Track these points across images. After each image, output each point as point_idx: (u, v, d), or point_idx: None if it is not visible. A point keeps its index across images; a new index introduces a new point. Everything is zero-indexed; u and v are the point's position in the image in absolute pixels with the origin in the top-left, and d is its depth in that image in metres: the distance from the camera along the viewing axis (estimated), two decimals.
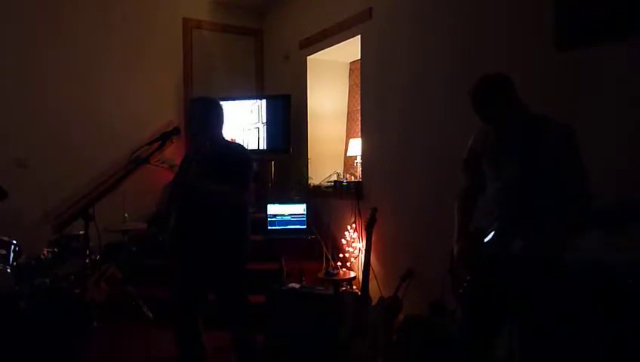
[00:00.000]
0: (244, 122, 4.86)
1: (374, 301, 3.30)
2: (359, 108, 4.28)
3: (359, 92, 4.28)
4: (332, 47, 4.48)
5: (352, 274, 3.93)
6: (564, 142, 1.80)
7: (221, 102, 2.61)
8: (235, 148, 2.59)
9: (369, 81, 4.07)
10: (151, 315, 3.82)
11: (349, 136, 4.90)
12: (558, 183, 1.79)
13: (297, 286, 3.41)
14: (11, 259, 3.32)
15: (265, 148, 4.82)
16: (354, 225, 4.09)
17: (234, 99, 4.87)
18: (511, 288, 1.88)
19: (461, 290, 2.04)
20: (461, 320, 2.11)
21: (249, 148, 4.62)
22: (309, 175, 4.73)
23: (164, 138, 2.43)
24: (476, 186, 2.09)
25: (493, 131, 1.99)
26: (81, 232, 3.43)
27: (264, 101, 4.84)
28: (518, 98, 1.92)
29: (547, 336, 1.86)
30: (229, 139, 2.60)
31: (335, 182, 4.45)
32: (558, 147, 1.80)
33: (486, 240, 1.94)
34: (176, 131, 2.46)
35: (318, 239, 4.15)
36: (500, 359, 2.10)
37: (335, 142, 4.95)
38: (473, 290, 2.00)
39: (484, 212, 2.05)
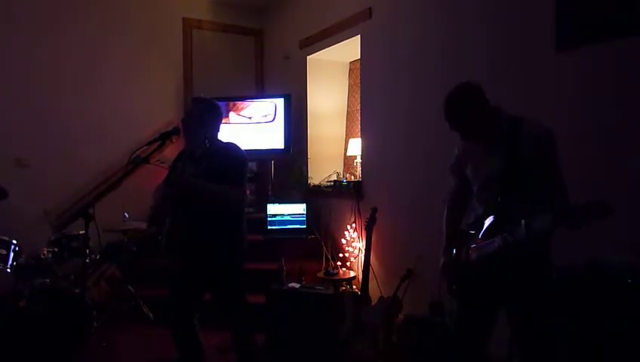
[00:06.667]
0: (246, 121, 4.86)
1: (374, 301, 3.30)
2: (359, 108, 4.28)
3: (359, 92, 4.28)
4: (332, 46, 4.48)
5: (352, 273, 3.93)
6: (541, 144, 1.81)
7: (219, 103, 2.62)
8: (230, 148, 2.58)
9: (369, 80, 4.07)
10: (151, 315, 3.82)
11: (348, 135, 4.90)
12: (534, 183, 1.81)
13: (297, 286, 3.41)
14: (11, 259, 3.32)
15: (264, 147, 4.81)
16: (354, 225, 4.09)
17: (234, 99, 4.87)
18: (496, 288, 1.93)
19: (454, 286, 2.08)
20: (455, 317, 2.13)
21: (249, 149, 4.63)
22: (309, 175, 4.73)
23: (164, 138, 2.44)
24: (464, 187, 2.12)
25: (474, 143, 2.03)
26: (81, 232, 3.43)
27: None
28: (490, 107, 1.91)
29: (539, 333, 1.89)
30: (224, 140, 2.60)
31: (335, 181, 4.45)
32: (535, 149, 1.81)
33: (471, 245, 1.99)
34: (176, 131, 2.46)
35: (317, 239, 4.15)
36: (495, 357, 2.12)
37: (335, 142, 4.95)
38: (463, 291, 2.05)
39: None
